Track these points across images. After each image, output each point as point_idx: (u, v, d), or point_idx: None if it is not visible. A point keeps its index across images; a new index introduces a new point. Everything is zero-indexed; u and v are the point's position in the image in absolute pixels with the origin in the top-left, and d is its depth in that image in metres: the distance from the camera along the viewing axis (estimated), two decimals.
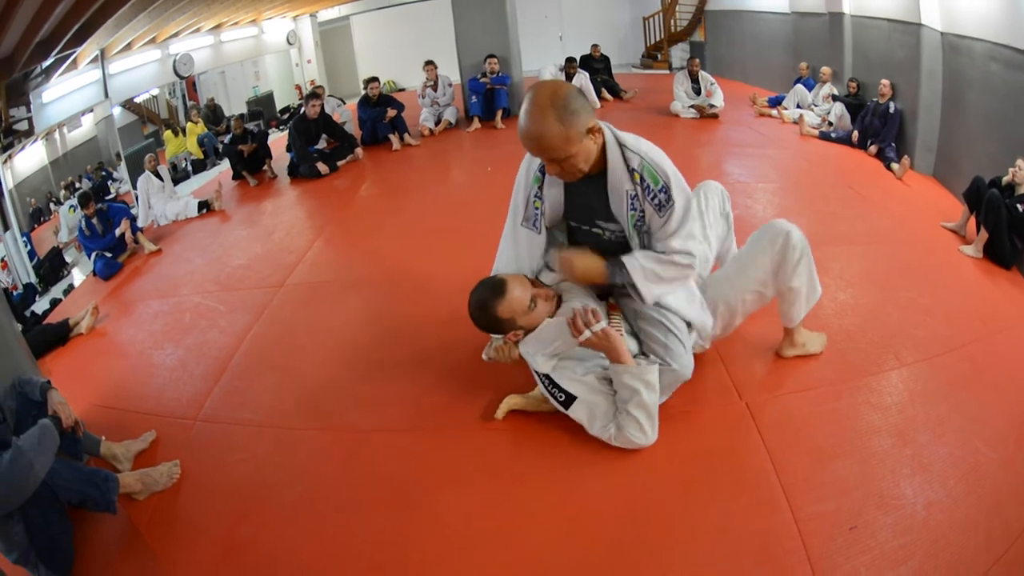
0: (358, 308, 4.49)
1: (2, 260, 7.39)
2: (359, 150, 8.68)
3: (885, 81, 7.31)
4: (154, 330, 4.69)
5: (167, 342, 4.42)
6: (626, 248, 2.82)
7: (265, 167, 8.61)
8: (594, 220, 2.86)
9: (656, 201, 2.64)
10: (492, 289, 2.75)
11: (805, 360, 3.30)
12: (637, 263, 2.72)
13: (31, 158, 8.51)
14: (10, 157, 7.84)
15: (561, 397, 2.82)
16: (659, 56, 15.32)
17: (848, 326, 3.59)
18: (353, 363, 3.81)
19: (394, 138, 8.97)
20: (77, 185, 9.03)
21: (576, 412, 2.82)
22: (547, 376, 2.85)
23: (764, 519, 2.45)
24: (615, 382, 2.76)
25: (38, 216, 8.61)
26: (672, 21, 15.04)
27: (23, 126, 7.62)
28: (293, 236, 6.10)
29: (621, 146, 2.66)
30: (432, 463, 2.99)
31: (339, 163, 8.32)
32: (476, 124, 9.45)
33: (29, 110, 7.61)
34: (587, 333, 2.62)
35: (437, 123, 9.63)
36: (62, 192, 8.93)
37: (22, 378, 3.09)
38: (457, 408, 3.22)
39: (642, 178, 2.63)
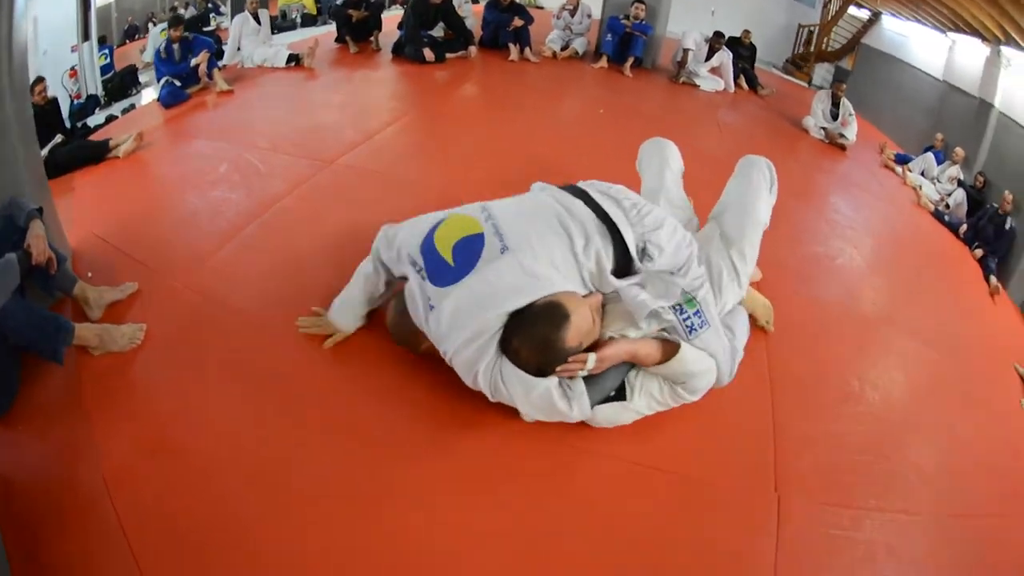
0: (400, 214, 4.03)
1: (72, 68, 7.35)
2: (473, 48, 8.49)
3: (1009, 195, 7.08)
4: (186, 171, 4.60)
5: (193, 188, 4.31)
6: None
7: (372, 38, 8.42)
8: None
9: None
10: (551, 319, 2.40)
11: (854, 468, 3.07)
12: None
13: None
14: None
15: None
16: (803, 67, 14.82)
17: (913, 445, 3.39)
18: None
19: (514, 48, 8.74)
20: (181, 10, 8.99)
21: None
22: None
23: None
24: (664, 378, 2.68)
25: (132, 33, 8.59)
26: (826, 39, 14.56)
27: None
28: (369, 114, 5.92)
29: None
30: (423, 418, 2.79)
31: (448, 55, 8.13)
32: (603, 63, 9.11)
33: None
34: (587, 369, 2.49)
35: (563, 48, 9.34)
36: (163, 13, 8.88)
37: (15, 200, 2.97)
38: None
39: None
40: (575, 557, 2.36)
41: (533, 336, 2.39)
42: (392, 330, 2.95)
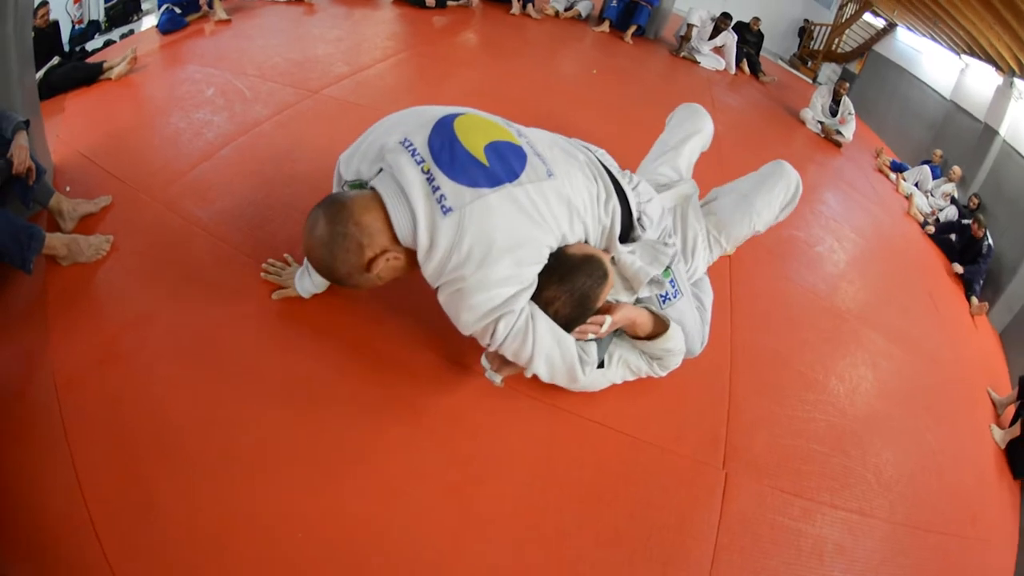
0: None
1: None
2: None
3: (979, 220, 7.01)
4: (174, 94, 4.48)
5: (177, 110, 4.21)
6: None
7: None
8: None
9: None
10: (592, 273, 2.19)
11: (810, 458, 2.93)
12: None
13: None
14: None
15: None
16: (809, 63, 14.92)
17: (874, 445, 3.23)
18: None
19: (516, 2, 8.50)
20: None
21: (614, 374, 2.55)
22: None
23: None
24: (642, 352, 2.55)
25: None
26: (837, 40, 14.66)
27: None
28: (360, 50, 5.81)
29: None
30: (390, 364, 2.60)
31: (450, 2, 7.98)
32: (605, 27, 8.88)
33: None
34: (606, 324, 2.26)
35: (567, 9, 9.10)
36: None
37: (3, 112, 2.98)
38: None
39: None
40: (520, 504, 2.29)
41: (573, 288, 2.17)
42: (321, 252, 2.03)
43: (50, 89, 4.29)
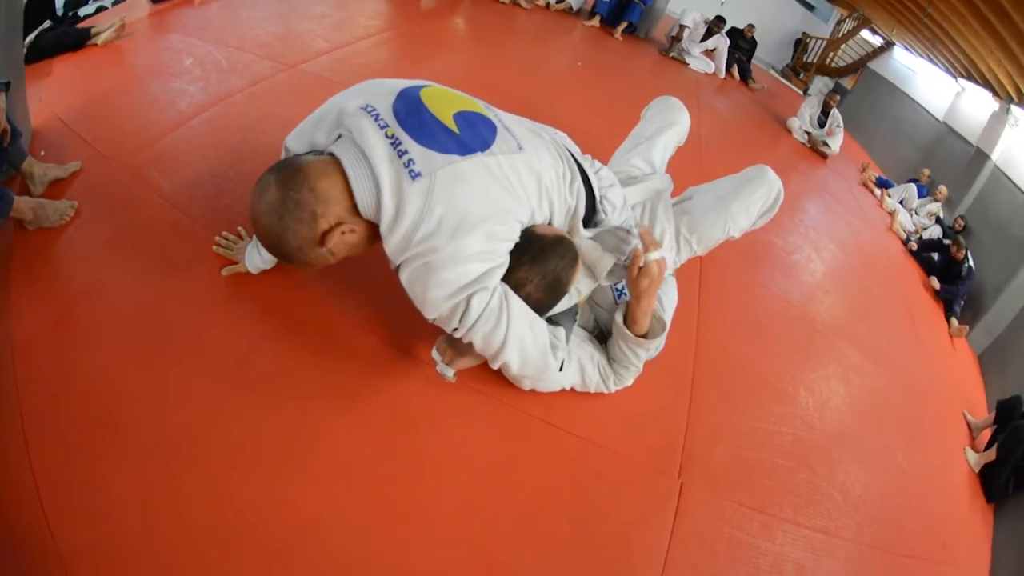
0: None
1: None
2: None
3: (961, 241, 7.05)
4: (155, 63, 4.39)
5: (156, 78, 4.10)
6: None
7: None
8: None
9: None
10: (563, 255, 2.06)
11: (773, 472, 2.80)
12: None
13: None
14: None
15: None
16: (801, 75, 15.07)
17: (842, 462, 3.11)
18: None
19: None
20: None
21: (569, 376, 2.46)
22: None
23: None
24: (619, 346, 2.43)
25: None
26: (832, 54, 14.87)
27: None
28: (343, 28, 5.70)
29: None
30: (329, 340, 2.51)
31: None
32: (595, 22, 8.80)
33: None
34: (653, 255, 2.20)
35: (558, 1, 8.98)
36: None
37: None
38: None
39: None
40: (456, 502, 2.17)
41: (545, 270, 2.04)
42: (270, 220, 1.81)
43: (39, 52, 4.23)
